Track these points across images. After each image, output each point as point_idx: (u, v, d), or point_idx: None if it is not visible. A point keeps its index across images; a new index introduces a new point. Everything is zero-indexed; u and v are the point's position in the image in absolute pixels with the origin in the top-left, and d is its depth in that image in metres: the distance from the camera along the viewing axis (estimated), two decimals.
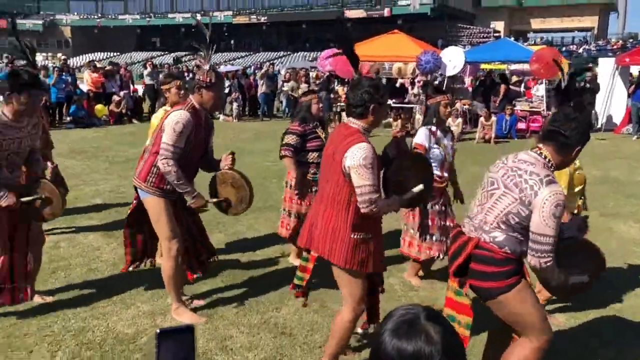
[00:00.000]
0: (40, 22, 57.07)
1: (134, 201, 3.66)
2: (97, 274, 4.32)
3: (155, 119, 4.39)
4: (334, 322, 2.88)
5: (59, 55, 52.04)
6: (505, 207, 2.34)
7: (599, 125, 14.48)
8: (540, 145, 2.42)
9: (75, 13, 57.21)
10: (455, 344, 1.10)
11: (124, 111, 15.33)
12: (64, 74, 14.74)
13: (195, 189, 3.46)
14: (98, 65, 18.15)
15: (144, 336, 3.36)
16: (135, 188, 3.51)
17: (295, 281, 3.07)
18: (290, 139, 4.32)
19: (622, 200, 7.20)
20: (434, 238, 4.11)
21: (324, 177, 2.78)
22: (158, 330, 0.99)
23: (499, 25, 44.90)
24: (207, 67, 3.37)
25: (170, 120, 3.24)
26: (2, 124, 3.23)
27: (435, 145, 3.99)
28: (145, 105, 16.73)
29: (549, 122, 2.47)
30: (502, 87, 14.91)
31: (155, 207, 3.42)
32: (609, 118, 14.33)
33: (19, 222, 3.42)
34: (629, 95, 14.62)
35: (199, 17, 51.24)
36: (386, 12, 42.77)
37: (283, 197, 4.58)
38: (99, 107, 14.90)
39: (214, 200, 3.58)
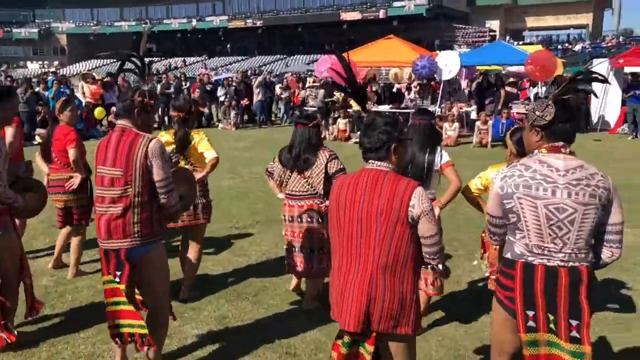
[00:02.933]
0: (36, 30, 57.17)
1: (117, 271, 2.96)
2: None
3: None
4: None
5: (55, 63, 52.22)
6: (592, 223, 2.23)
7: (593, 126, 14.63)
8: (561, 144, 2.29)
9: (71, 21, 57.30)
10: None
11: None
12: (62, 86, 14.83)
13: None
14: (96, 76, 18.22)
15: None
16: (116, 253, 2.91)
17: None
18: None
19: None
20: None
21: (359, 240, 2.31)
22: None
23: (494, 25, 45.11)
24: (146, 87, 3.05)
25: (160, 149, 2.91)
26: None
27: None
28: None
29: (563, 117, 2.30)
30: (502, 91, 14.92)
31: (163, 257, 3.11)
32: (603, 118, 14.43)
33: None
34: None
35: (194, 22, 51.41)
36: (381, 13, 42.95)
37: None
38: (98, 109, 14.92)
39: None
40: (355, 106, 15.86)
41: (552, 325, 2.24)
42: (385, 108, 15.18)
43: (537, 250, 2.27)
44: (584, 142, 13.22)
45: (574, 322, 2.21)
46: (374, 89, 17.00)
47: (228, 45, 52.43)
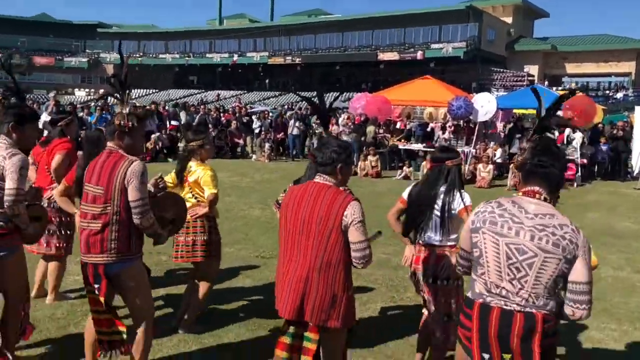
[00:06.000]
0: (85, 60, 59.93)
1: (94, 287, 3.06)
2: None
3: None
4: None
5: (101, 91, 54.31)
6: (553, 272, 2.18)
7: (634, 175, 14.19)
8: (537, 189, 2.28)
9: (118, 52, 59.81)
10: None
11: (157, 148, 15.82)
12: (104, 112, 15.38)
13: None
14: (137, 103, 18.86)
15: None
16: (94, 267, 3.03)
17: None
18: None
19: None
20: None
21: (300, 241, 2.68)
22: None
23: (533, 69, 44.82)
24: (126, 110, 3.15)
25: (139, 171, 3.01)
26: None
27: None
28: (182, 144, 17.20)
29: (535, 160, 2.29)
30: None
31: (141, 273, 3.20)
32: None
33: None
34: None
35: (235, 57, 52.99)
36: (419, 55, 43.26)
37: None
38: None
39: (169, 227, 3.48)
40: (391, 142, 15.89)
41: None
42: (418, 147, 15.15)
43: (495, 290, 2.25)
44: (624, 191, 12.83)
45: None
46: (407, 126, 17.03)
47: (267, 80, 53.64)
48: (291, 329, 2.73)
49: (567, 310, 2.24)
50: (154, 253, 5.99)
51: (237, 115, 18.65)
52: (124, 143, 3.10)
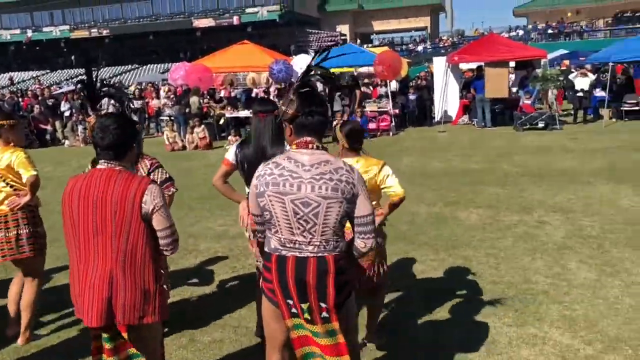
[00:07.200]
0: None
1: None
2: None
3: None
4: None
5: None
6: (337, 215, 2.28)
7: (437, 119, 15.91)
8: (309, 139, 2.31)
9: None
10: None
11: None
12: None
13: None
14: None
15: None
16: None
17: None
18: None
19: (461, 189, 7.97)
20: None
21: (95, 239, 2.37)
22: None
23: (344, 29, 47.27)
24: None
25: None
26: None
27: None
28: None
29: (305, 111, 2.30)
30: (358, 92, 15.36)
31: None
32: (446, 113, 15.76)
33: None
34: (461, 90, 16.33)
35: (29, 33, 46.98)
36: (235, 20, 42.86)
37: None
38: None
39: None
40: (217, 111, 15.56)
41: (307, 315, 2.31)
42: (245, 113, 15.10)
43: (289, 245, 2.33)
44: (432, 135, 14.35)
45: (323, 305, 2.29)
46: (232, 94, 16.85)
47: (72, 57, 48.64)
48: (105, 335, 2.44)
49: (359, 244, 2.35)
50: None
51: (40, 98, 16.63)
52: None
